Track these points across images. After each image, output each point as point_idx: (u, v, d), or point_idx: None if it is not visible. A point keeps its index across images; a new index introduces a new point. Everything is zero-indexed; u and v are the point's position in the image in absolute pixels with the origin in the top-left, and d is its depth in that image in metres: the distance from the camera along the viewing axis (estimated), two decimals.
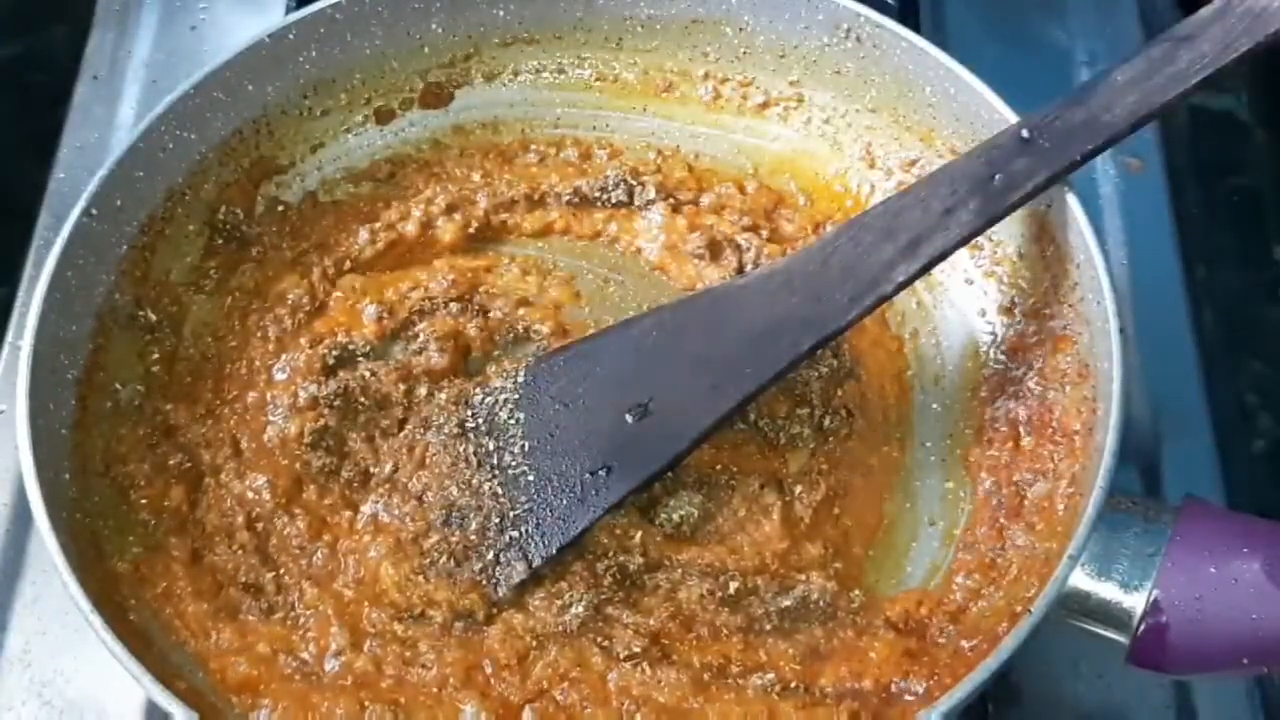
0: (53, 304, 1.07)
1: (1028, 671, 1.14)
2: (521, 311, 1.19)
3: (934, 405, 1.18)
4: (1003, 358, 1.16)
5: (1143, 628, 0.96)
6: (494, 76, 1.32)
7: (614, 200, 1.26)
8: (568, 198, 1.26)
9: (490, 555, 1.05)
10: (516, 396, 1.10)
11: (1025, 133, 1.06)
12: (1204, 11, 1.06)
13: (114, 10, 1.51)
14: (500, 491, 1.07)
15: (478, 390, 1.13)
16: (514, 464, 1.07)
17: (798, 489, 1.10)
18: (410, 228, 1.23)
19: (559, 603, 1.03)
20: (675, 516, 1.07)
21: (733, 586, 1.04)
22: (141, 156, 1.15)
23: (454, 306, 1.19)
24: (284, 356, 1.15)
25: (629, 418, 1.06)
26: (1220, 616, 0.95)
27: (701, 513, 1.08)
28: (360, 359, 1.15)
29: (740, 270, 1.21)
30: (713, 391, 1.06)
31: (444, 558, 1.04)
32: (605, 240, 1.26)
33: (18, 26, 1.55)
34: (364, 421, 1.12)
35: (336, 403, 1.11)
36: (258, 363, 1.16)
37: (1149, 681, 1.13)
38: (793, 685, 1.00)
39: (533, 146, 1.30)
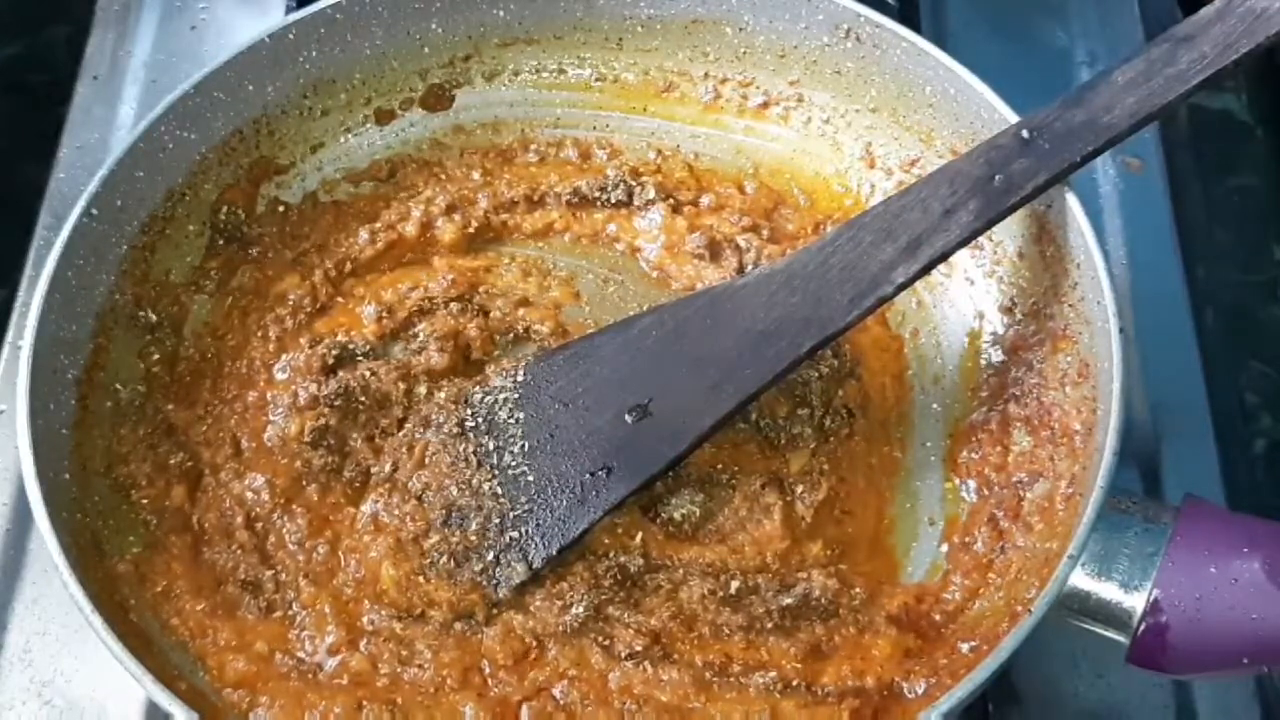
0: (53, 304, 1.07)
1: (1028, 671, 1.14)
2: (521, 311, 1.19)
3: (934, 405, 1.18)
4: (1003, 358, 1.16)
5: (1143, 628, 0.96)
6: (494, 76, 1.32)
7: (614, 200, 1.26)
8: (568, 198, 1.26)
9: (490, 556, 1.04)
10: (516, 396, 1.10)
11: (1025, 133, 1.06)
12: (1204, 12, 1.06)
13: (114, 10, 1.51)
14: (500, 491, 1.07)
15: (477, 390, 1.12)
16: (514, 464, 1.07)
17: (799, 488, 1.10)
18: (410, 228, 1.23)
19: (560, 603, 1.03)
20: (676, 515, 1.07)
21: (734, 586, 1.04)
22: (141, 156, 1.15)
23: (454, 306, 1.19)
24: (284, 356, 1.15)
25: (628, 418, 1.06)
26: (1220, 616, 0.95)
27: (703, 512, 1.08)
28: (360, 359, 1.15)
29: (740, 270, 1.20)
30: (713, 392, 1.05)
31: (444, 558, 1.04)
32: (605, 240, 1.26)
33: (18, 26, 1.55)
34: (364, 421, 1.12)
35: (337, 402, 1.11)
36: (258, 362, 1.16)
37: (1149, 681, 1.12)
38: (794, 684, 1.00)
39: (533, 146, 1.30)
